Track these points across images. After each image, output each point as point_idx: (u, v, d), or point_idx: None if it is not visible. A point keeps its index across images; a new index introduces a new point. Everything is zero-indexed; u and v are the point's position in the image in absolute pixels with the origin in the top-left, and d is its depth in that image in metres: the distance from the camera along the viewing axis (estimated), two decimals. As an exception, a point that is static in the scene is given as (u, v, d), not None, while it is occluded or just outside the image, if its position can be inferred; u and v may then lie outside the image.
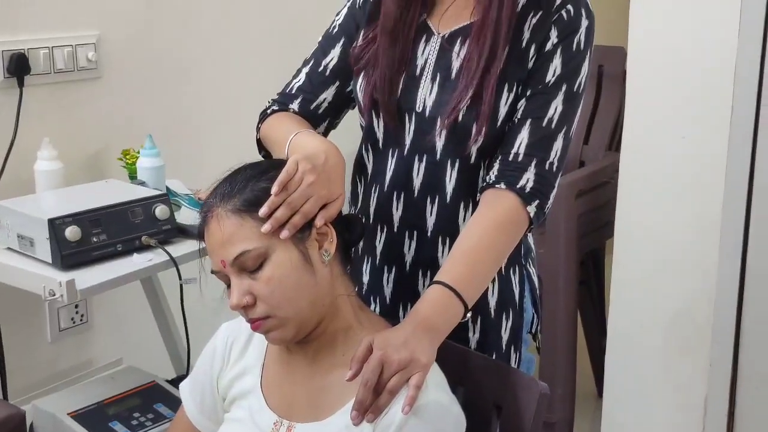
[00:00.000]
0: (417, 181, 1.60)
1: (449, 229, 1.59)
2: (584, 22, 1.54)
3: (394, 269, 1.66)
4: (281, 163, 1.38)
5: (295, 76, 1.71)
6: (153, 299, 2.45)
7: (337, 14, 1.71)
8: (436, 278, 1.44)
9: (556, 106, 1.53)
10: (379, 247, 1.66)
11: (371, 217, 1.65)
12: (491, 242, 1.49)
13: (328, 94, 1.68)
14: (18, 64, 2.22)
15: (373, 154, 1.66)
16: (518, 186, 1.50)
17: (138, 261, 1.96)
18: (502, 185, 1.50)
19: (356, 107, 1.71)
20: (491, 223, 1.49)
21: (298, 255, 1.35)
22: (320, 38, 1.72)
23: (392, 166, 1.62)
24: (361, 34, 1.65)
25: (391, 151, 1.62)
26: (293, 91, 1.69)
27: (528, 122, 1.52)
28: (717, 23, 2.45)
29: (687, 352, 2.68)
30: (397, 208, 1.62)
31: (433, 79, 1.58)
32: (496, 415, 1.46)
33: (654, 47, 2.58)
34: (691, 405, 2.70)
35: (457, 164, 1.57)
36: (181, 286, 2.02)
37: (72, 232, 1.89)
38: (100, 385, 2.15)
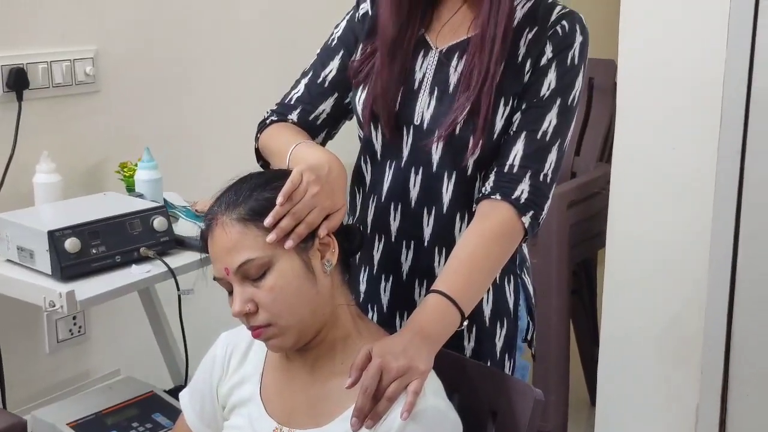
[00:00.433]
0: (414, 192, 1.61)
1: (446, 240, 1.60)
2: (578, 38, 1.56)
3: (391, 278, 1.66)
4: (286, 173, 1.38)
5: (293, 87, 1.71)
6: (150, 310, 2.45)
7: (336, 27, 1.72)
8: (433, 287, 1.45)
9: (551, 120, 1.54)
10: (377, 257, 1.67)
11: (369, 227, 1.66)
12: (487, 252, 1.49)
13: (326, 106, 1.69)
14: (17, 78, 2.23)
15: (371, 166, 1.66)
16: (513, 197, 1.50)
17: (136, 272, 1.96)
18: (498, 196, 1.51)
19: (353, 118, 1.71)
20: (487, 234, 1.50)
21: (300, 264, 1.36)
22: (319, 50, 1.72)
23: (390, 178, 1.63)
24: (360, 47, 1.66)
25: (388, 163, 1.63)
26: (292, 102, 1.69)
27: (523, 135, 1.53)
28: (706, 36, 2.47)
29: (678, 360, 2.68)
30: (394, 219, 1.63)
31: (431, 93, 1.59)
32: (492, 421, 1.47)
33: (644, 60, 2.59)
34: (683, 413, 2.70)
35: (453, 176, 1.58)
36: (179, 296, 2.02)
37: (71, 244, 1.89)
38: (98, 396, 2.15)
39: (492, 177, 1.54)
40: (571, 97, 1.56)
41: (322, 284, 1.39)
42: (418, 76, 1.61)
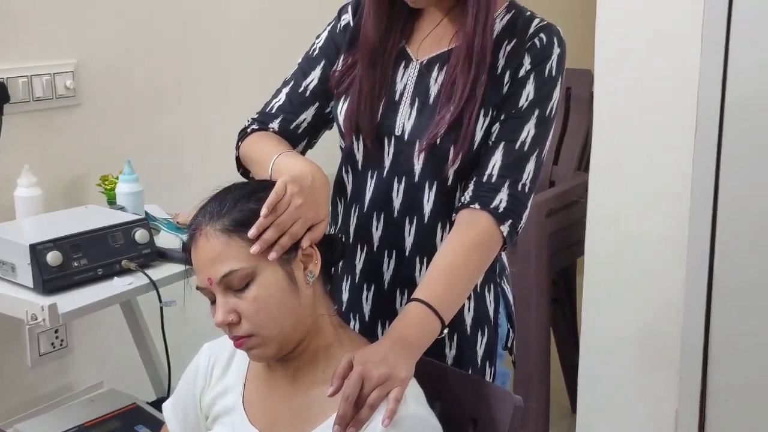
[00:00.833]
0: (397, 202, 1.61)
1: (427, 249, 1.61)
2: (556, 50, 1.57)
3: (373, 287, 1.67)
4: (269, 184, 1.39)
5: (274, 96, 1.72)
6: (132, 322, 2.44)
7: (318, 37, 1.73)
8: (413, 296, 1.45)
9: (529, 130, 1.55)
10: (359, 266, 1.67)
11: (351, 236, 1.66)
12: (466, 261, 1.50)
13: (307, 115, 1.69)
14: (-4, 92, 2.22)
15: (353, 175, 1.67)
16: (492, 206, 1.52)
17: (118, 285, 1.95)
18: (477, 205, 1.52)
19: (332, 128, 1.72)
20: (466, 243, 1.51)
21: (283, 276, 1.36)
22: (300, 60, 1.73)
23: (372, 188, 1.64)
24: (342, 57, 1.67)
25: (370, 173, 1.64)
26: (273, 111, 1.69)
27: (501, 145, 1.55)
28: (680, 46, 2.49)
29: (657, 366, 2.70)
30: (377, 228, 1.64)
31: (411, 104, 1.60)
32: (473, 428, 1.48)
33: (620, 70, 2.62)
34: (662, 418, 2.72)
35: (435, 186, 1.59)
36: (161, 308, 2.00)
37: (53, 257, 1.87)
38: (81, 409, 2.14)
39: (471, 186, 1.55)
40: (549, 108, 1.57)
41: (305, 295, 1.39)
42: (399, 87, 1.62)
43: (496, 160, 1.54)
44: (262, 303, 1.35)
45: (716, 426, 2.67)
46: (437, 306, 1.44)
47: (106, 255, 1.98)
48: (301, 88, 1.69)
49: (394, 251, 1.64)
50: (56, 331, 2.44)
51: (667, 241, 2.62)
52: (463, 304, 1.60)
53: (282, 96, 1.70)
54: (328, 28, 1.72)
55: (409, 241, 1.62)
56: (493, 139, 1.56)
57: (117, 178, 2.29)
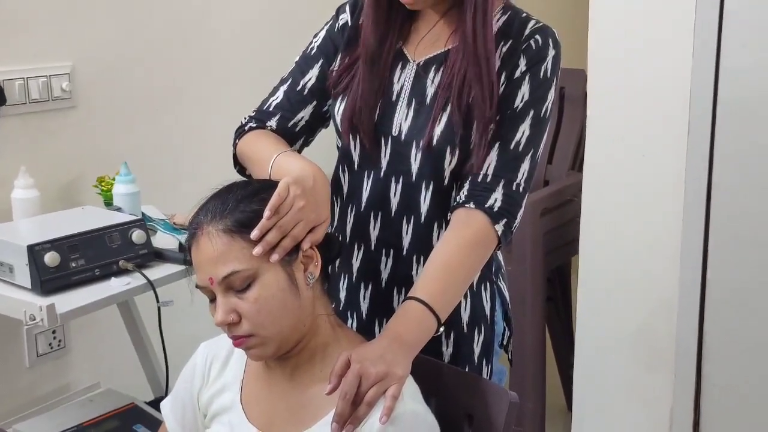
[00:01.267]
0: (394, 202, 1.62)
1: (424, 248, 1.61)
2: (551, 52, 1.58)
3: (370, 286, 1.67)
4: (271, 185, 1.38)
5: (272, 94, 1.71)
6: (129, 323, 2.44)
7: (315, 36, 1.72)
8: (410, 294, 1.46)
9: (524, 130, 1.55)
10: (356, 265, 1.68)
11: (348, 236, 1.67)
12: (462, 260, 1.51)
13: (305, 113, 1.69)
14: (-7, 94, 2.22)
15: (349, 175, 1.67)
16: (487, 206, 1.52)
17: (116, 285, 1.96)
18: (472, 205, 1.53)
19: (329, 126, 1.72)
20: (462, 242, 1.51)
21: (285, 277, 1.36)
22: (297, 58, 1.72)
23: (369, 187, 1.64)
24: (339, 57, 1.67)
25: (366, 173, 1.64)
26: (271, 109, 1.69)
27: (497, 145, 1.55)
28: (673, 46, 2.50)
29: (652, 365, 2.70)
30: (374, 228, 1.65)
31: (408, 105, 1.60)
32: (468, 424, 1.48)
33: (613, 70, 2.62)
34: (657, 417, 2.72)
35: (431, 186, 1.59)
36: (158, 308, 2.01)
37: (51, 258, 1.88)
38: (79, 409, 2.15)
39: (466, 186, 1.55)
40: (544, 108, 1.58)
41: (305, 296, 1.39)
42: (396, 88, 1.62)
43: (491, 160, 1.55)
44: (263, 304, 1.35)
45: (711, 425, 2.67)
46: (434, 304, 1.44)
47: (104, 255, 1.98)
48: (299, 87, 1.69)
49: (391, 250, 1.64)
50: (54, 332, 2.44)
51: (661, 240, 2.63)
52: (460, 303, 1.61)
53: (280, 94, 1.70)
54: (326, 27, 1.72)
55: (406, 240, 1.63)
56: (487, 140, 1.56)
57: (113, 179, 2.30)
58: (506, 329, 1.76)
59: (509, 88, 1.57)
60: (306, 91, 1.69)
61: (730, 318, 2.58)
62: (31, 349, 2.40)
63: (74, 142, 2.45)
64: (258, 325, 1.35)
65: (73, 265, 1.93)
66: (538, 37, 1.58)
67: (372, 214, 1.65)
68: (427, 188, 1.60)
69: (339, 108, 1.65)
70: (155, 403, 2.18)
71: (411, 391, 1.37)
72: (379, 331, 1.64)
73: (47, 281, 1.89)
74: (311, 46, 1.72)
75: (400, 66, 1.64)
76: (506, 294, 1.76)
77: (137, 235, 2.04)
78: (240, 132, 1.68)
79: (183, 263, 2.06)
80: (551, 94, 1.59)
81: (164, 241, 2.15)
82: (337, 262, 1.64)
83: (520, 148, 1.55)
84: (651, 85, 2.57)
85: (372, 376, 1.32)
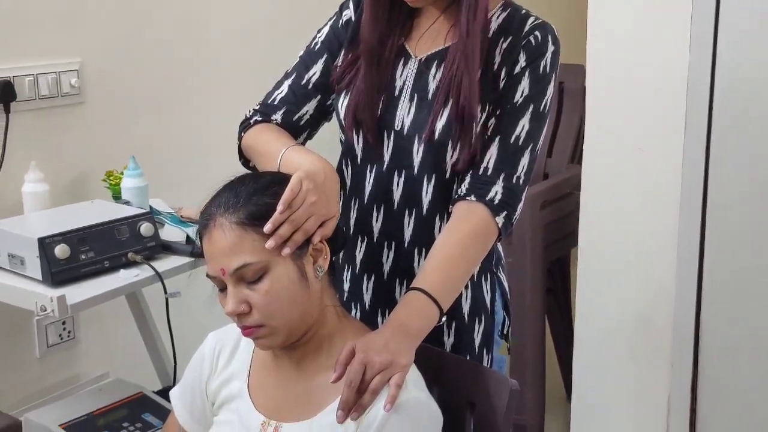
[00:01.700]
0: (397, 194, 1.62)
1: (425, 240, 1.61)
2: (550, 48, 1.58)
3: (373, 278, 1.68)
4: (283, 178, 1.38)
5: (276, 88, 1.71)
6: (138, 313, 2.45)
7: (319, 31, 1.72)
8: (413, 285, 1.46)
9: (524, 125, 1.56)
10: (359, 257, 1.68)
11: (351, 228, 1.67)
12: (463, 251, 1.51)
13: (310, 107, 1.69)
14: (4, 90, 2.23)
15: (352, 169, 1.67)
16: (487, 198, 1.52)
17: (125, 276, 1.97)
18: (473, 197, 1.53)
19: (332, 119, 1.72)
20: (463, 234, 1.52)
21: (295, 270, 1.36)
22: (301, 53, 1.72)
23: (372, 180, 1.64)
24: (343, 53, 1.67)
25: (369, 166, 1.65)
26: (276, 102, 1.69)
27: (497, 139, 1.56)
28: (670, 40, 2.50)
29: (650, 354, 2.70)
30: (377, 220, 1.65)
31: (410, 100, 1.61)
32: (470, 411, 1.49)
33: (611, 64, 2.62)
34: (655, 405, 2.72)
35: (433, 179, 1.60)
36: (166, 299, 2.02)
37: (61, 250, 1.89)
38: (89, 398, 2.15)
39: (467, 179, 1.56)
40: (543, 103, 1.58)
41: (314, 288, 1.39)
42: (399, 83, 1.62)
43: (492, 154, 1.55)
44: (273, 296, 1.35)
45: (707, 412, 2.67)
46: (436, 294, 1.45)
47: (113, 248, 1.99)
48: (304, 81, 1.69)
49: (393, 242, 1.65)
50: (64, 323, 2.45)
51: (658, 231, 2.63)
52: (461, 293, 1.61)
53: (284, 88, 1.70)
54: (330, 22, 1.72)
55: (408, 232, 1.63)
56: (489, 134, 1.57)
57: (122, 173, 2.30)
58: (506, 319, 1.76)
59: (509, 83, 1.57)
60: (310, 85, 1.69)
61: (726, 309, 2.58)
62: (41, 339, 2.41)
63: (83, 137, 2.46)
64: (268, 316, 1.36)
65: (83, 257, 1.94)
66: (537, 33, 1.58)
67: (375, 207, 1.65)
68: (428, 181, 1.60)
69: (342, 103, 1.65)
70: (163, 393, 2.19)
71: (414, 379, 1.38)
72: (382, 322, 1.65)
73: (58, 273, 1.90)
74: (315, 41, 1.72)
75: (402, 62, 1.64)
76: (506, 285, 1.76)
77: (145, 228, 2.05)
78: (245, 125, 1.68)
79: (190, 255, 2.08)
80: (550, 89, 1.59)
81: (172, 233, 2.16)
82: (341, 253, 1.63)
83: (520, 142, 1.56)
84: (648, 80, 2.57)
85: (376, 364, 1.33)
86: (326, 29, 1.72)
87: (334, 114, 1.71)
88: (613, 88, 2.64)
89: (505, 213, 1.54)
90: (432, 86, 1.60)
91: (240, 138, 1.68)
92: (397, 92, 1.62)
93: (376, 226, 1.66)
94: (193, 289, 1.81)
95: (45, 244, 1.89)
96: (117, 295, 1.97)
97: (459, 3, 1.55)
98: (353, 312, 1.70)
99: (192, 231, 2.15)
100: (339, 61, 1.68)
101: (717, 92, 2.48)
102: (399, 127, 1.61)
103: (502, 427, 1.47)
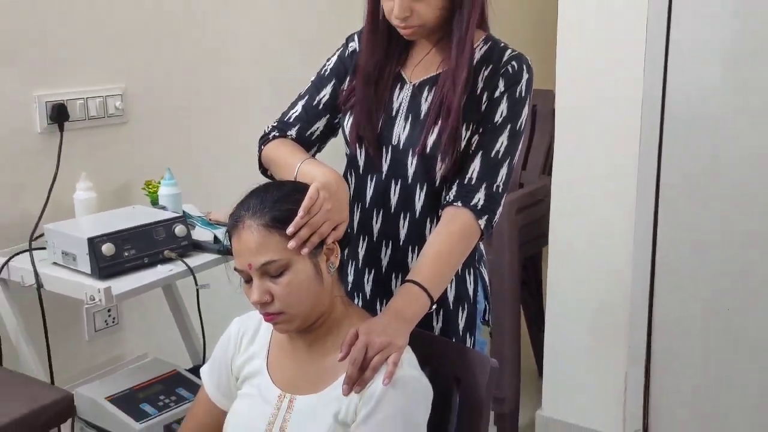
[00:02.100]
0: (394, 200, 1.62)
1: (418, 239, 1.61)
2: (525, 76, 1.58)
3: (373, 271, 1.68)
4: (303, 187, 1.39)
5: (291, 108, 1.70)
6: (172, 302, 2.45)
7: (328, 60, 1.72)
8: (408, 278, 1.46)
9: (502, 141, 1.55)
10: (361, 254, 1.68)
11: (354, 229, 1.67)
12: (451, 249, 1.51)
13: (320, 124, 1.68)
14: (58, 112, 2.23)
15: (355, 178, 1.67)
16: (471, 204, 1.52)
17: (161, 271, 1.97)
18: (459, 203, 1.53)
19: (338, 135, 1.71)
20: (451, 234, 1.51)
21: (311, 267, 1.36)
22: (313, 78, 1.71)
23: (372, 188, 1.64)
24: (348, 79, 1.66)
25: (370, 176, 1.64)
26: (291, 120, 1.68)
27: (479, 153, 1.55)
28: (628, 68, 2.50)
29: (609, 337, 2.71)
30: (376, 222, 1.65)
31: (406, 119, 1.60)
32: (456, 386, 1.49)
33: (577, 90, 2.63)
34: (614, 380, 2.73)
35: (425, 187, 1.59)
36: (197, 291, 2.02)
37: (107, 248, 1.90)
38: (130, 375, 2.15)
39: (454, 188, 1.55)
40: (519, 123, 1.57)
41: (326, 282, 1.39)
42: (396, 105, 1.62)
43: (475, 166, 1.55)
44: (293, 288, 1.35)
45: (659, 385, 2.68)
46: (427, 286, 1.45)
47: (151, 246, 2.00)
48: (315, 102, 1.68)
49: (390, 241, 1.65)
50: (109, 311, 2.45)
51: (616, 232, 2.63)
52: (448, 285, 1.61)
53: (299, 108, 1.69)
54: (338, 52, 1.72)
55: (403, 232, 1.63)
56: (472, 149, 1.56)
57: (159, 183, 2.30)
58: (487, 307, 1.76)
59: (490, 105, 1.56)
60: (321, 106, 1.68)
61: (675, 296, 2.58)
62: (90, 325, 2.41)
63: (126, 152, 2.45)
64: (287, 305, 1.36)
65: (126, 254, 1.94)
66: (514, 63, 1.58)
67: (375, 210, 1.65)
68: (421, 189, 1.60)
69: (347, 122, 1.65)
70: (194, 370, 2.19)
71: (408, 358, 1.38)
72: (381, 309, 1.65)
73: (104, 268, 1.90)
74: (325, 68, 1.71)
75: (399, 86, 1.63)
76: (487, 278, 1.75)
77: (179, 230, 2.05)
78: (264, 139, 1.67)
79: (217, 253, 2.08)
80: (525, 111, 1.58)
81: (202, 234, 2.16)
82: (346, 251, 1.64)
83: (499, 156, 1.55)
84: (608, 103, 2.57)
85: (376, 345, 1.33)
86: (334, 58, 1.72)
87: (340, 130, 1.71)
88: (578, 111, 2.64)
89: (486, 217, 1.54)
90: (424, 107, 1.60)
91: (260, 150, 1.67)
92: (394, 112, 1.62)
93: (376, 227, 1.66)
94: (220, 282, 1.82)
95: (93, 243, 1.90)
96: (155, 286, 1.97)
97: (450, 37, 1.55)
98: (356, 300, 1.70)
99: (219, 232, 2.15)
100: (345, 85, 1.67)
101: (667, 111, 2.49)
102: (396, 142, 1.61)
103: (483, 400, 1.47)
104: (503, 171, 1.56)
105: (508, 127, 1.56)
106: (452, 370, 1.50)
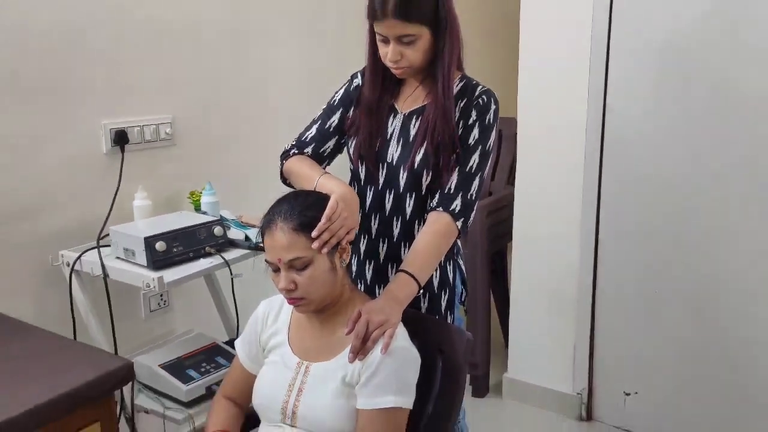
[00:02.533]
0: (388, 206, 1.62)
1: (408, 237, 1.61)
2: (493, 107, 1.57)
3: (372, 263, 1.67)
4: (324, 197, 1.39)
5: (307, 129, 1.69)
6: (212, 288, 2.45)
7: (336, 92, 1.70)
8: (400, 268, 1.46)
9: (475, 159, 1.55)
10: (363, 248, 1.68)
11: (357, 229, 1.67)
12: (435, 245, 1.51)
13: (330, 144, 1.67)
14: (120, 137, 2.23)
15: (357, 188, 1.66)
16: (450, 209, 1.52)
17: (203, 263, 1.97)
18: (441, 209, 1.52)
19: (343, 153, 1.71)
20: (435, 234, 1.51)
21: (328, 263, 1.36)
22: (324, 106, 1.70)
23: (371, 196, 1.64)
24: (352, 109, 1.66)
25: (369, 187, 1.64)
26: (307, 140, 1.67)
27: (456, 169, 1.55)
28: (573, 101, 2.52)
29: (561, 314, 2.72)
30: (374, 223, 1.65)
31: (398, 142, 1.60)
32: (439, 354, 1.49)
33: (534, 118, 2.63)
34: (565, 350, 2.74)
35: (413, 196, 1.59)
36: (231, 279, 2.02)
37: (160, 245, 1.90)
38: (179, 347, 2.15)
39: (437, 197, 1.55)
40: (488, 144, 1.57)
41: (339, 274, 1.39)
42: (390, 130, 1.62)
43: (453, 179, 1.55)
44: (313, 280, 1.35)
45: (601, 353, 2.68)
46: (416, 274, 1.45)
47: (195, 244, 1.99)
48: (327, 126, 1.67)
49: (386, 239, 1.65)
50: (161, 295, 2.44)
51: (566, 231, 2.64)
52: (433, 273, 1.61)
53: (313, 130, 1.68)
54: (344, 86, 1.70)
55: (396, 231, 1.63)
56: (450, 166, 1.56)
57: (201, 193, 2.30)
58: (463, 291, 1.75)
59: (465, 131, 1.56)
60: (331, 129, 1.67)
61: (613, 284, 2.59)
62: (145, 306, 2.41)
63: (174, 168, 2.45)
64: (308, 293, 1.36)
65: (175, 250, 1.94)
66: (484, 97, 1.58)
67: (373, 214, 1.64)
68: (410, 197, 1.60)
69: (351, 144, 1.65)
70: (230, 343, 2.18)
71: (401, 332, 1.38)
72: (379, 293, 1.64)
73: (157, 261, 1.90)
74: (334, 98, 1.70)
75: (392, 115, 1.63)
76: (463, 268, 1.75)
77: (217, 230, 2.05)
78: (285, 155, 1.67)
79: (248, 249, 2.08)
80: (493, 135, 1.58)
81: (235, 234, 2.15)
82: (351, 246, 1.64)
83: (472, 171, 1.55)
84: (559, 129, 2.58)
85: (376, 322, 1.34)
86: (341, 91, 1.71)
87: (346, 149, 1.70)
88: (535, 135, 2.65)
89: (462, 219, 1.54)
90: (412, 132, 1.59)
91: (282, 164, 1.66)
92: (388, 136, 1.62)
93: (374, 227, 1.65)
94: (250, 272, 1.82)
95: (149, 241, 1.90)
96: (198, 275, 1.96)
97: (433, 76, 1.55)
98: (359, 286, 1.70)
99: (250, 232, 2.15)
100: (350, 113, 1.67)
101: (606, 133, 2.50)
102: (390, 160, 1.61)
103: (461, 365, 1.47)
104: (476, 183, 1.56)
105: (480, 148, 1.56)
106: (436, 342, 1.50)
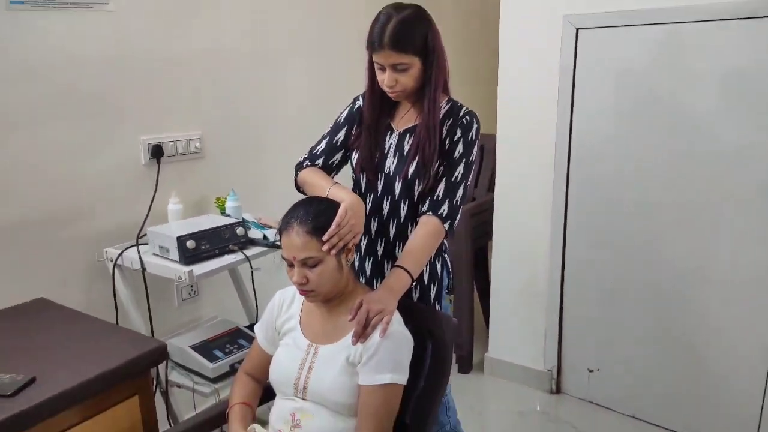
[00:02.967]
0: (385, 211, 1.61)
1: (402, 237, 1.61)
2: (475, 125, 1.57)
3: (371, 259, 1.67)
4: (335, 204, 1.38)
5: (317, 144, 1.68)
6: (235, 280, 2.43)
7: (341, 113, 1.69)
8: (396, 264, 1.46)
9: (460, 170, 1.54)
10: (363, 247, 1.67)
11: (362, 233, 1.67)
12: (426, 244, 1.51)
13: (338, 157, 1.66)
14: (156, 151, 2.22)
15: (359, 195, 1.65)
16: (439, 213, 1.52)
17: (227, 259, 1.96)
18: (430, 213, 1.52)
19: (347, 164, 1.70)
20: (425, 235, 1.51)
21: (336, 262, 1.36)
22: (331, 124, 1.69)
23: (370, 202, 1.63)
24: (355, 127, 1.65)
25: (369, 194, 1.64)
26: (317, 153, 1.66)
27: (443, 179, 1.54)
28: (544, 120, 2.52)
29: (534, 302, 2.72)
30: (373, 225, 1.64)
31: (394, 156, 1.60)
32: (429, 337, 1.49)
33: (511, 134, 2.63)
34: (537, 335, 2.74)
35: (407, 202, 1.59)
36: (252, 272, 2.02)
37: (190, 244, 1.89)
38: (206, 330, 2.14)
39: (427, 203, 1.55)
40: (471, 157, 1.57)
41: (345, 271, 1.39)
42: (387, 145, 1.62)
43: (441, 188, 1.54)
44: (323, 276, 1.35)
45: (568, 336, 2.68)
46: (409, 269, 1.45)
47: (220, 242, 1.99)
48: (334, 141, 1.67)
49: (383, 238, 1.64)
50: (192, 286, 2.44)
51: (539, 232, 2.64)
52: (424, 268, 1.61)
53: (323, 145, 1.67)
54: (348, 107, 1.69)
55: (392, 232, 1.63)
56: (438, 176, 1.56)
57: (226, 198, 2.30)
58: (450, 282, 1.75)
59: (451, 146, 1.56)
60: (338, 144, 1.66)
61: (580, 275, 2.59)
62: (178, 296, 2.40)
63: (203, 177, 2.44)
64: (317, 286, 1.36)
65: (203, 247, 1.94)
66: (467, 117, 1.57)
67: (372, 217, 1.64)
68: (404, 203, 1.60)
69: (354, 156, 1.65)
70: (250, 327, 2.19)
71: (397, 318, 1.38)
72: (377, 285, 1.64)
73: (188, 257, 1.89)
74: (339, 118, 1.70)
75: (389, 133, 1.63)
76: (449, 263, 1.74)
77: (239, 231, 2.04)
78: (299, 166, 1.66)
79: (266, 247, 2.08)
80: (475, 149, 1.58)
81: (255, 234, 2.15)
82: None
83: (458, 180, 1.55)
84: (532, 145, 2.58)
85: (375, 310, 1.34)
86: (346, 111, 1.70)
87: (349, 162, 1.70)
88: (512, 149, 2.64)
89: (449, 222, 1.53)
90: (406, 147, 1.59)
91: (296, 175, 1.66)
92: (386, 151, 1.62)
93: (373, 228, 1.65)
94: (268, 267, 1.82)
95: (180, 240, 1.89)
96: (223, 270, 1.95)
97: (423, 99, 1.55)
98: (360, 279, 1.69)
99: (268, 233, 2.15)
100: (354, 131, 1.66)
101: (572, 151, 2.50)
102: (387, 171, 1.61)
103: (448, 346, 1.47)
104: (460, 191, 1.56)
105: (464, 161, 1.55)
106: (426, 326, 1.50)
